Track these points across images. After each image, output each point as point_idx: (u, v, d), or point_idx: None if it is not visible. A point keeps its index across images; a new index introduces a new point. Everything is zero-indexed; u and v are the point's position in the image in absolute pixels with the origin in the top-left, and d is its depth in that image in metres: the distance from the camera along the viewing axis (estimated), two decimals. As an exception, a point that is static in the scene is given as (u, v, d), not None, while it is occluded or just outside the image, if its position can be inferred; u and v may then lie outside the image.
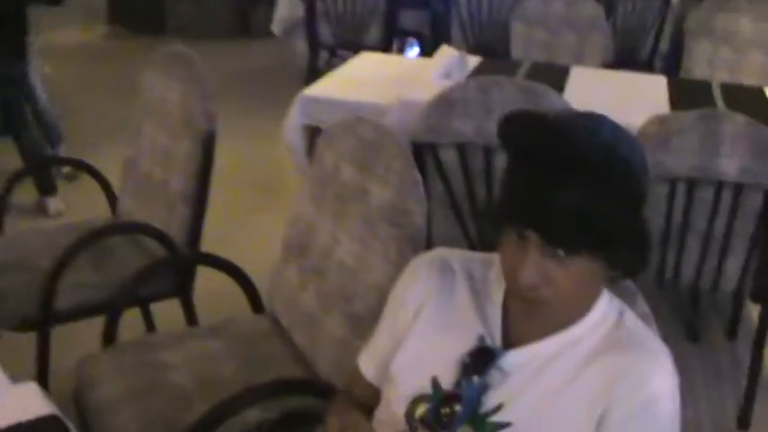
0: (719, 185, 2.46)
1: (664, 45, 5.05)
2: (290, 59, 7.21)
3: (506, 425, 1.26)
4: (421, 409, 1.32)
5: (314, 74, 5.09)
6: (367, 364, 1.51)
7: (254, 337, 2.20)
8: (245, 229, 4.11)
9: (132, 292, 2.33)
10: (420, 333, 1.39)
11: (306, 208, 2.14)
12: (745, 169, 2.41)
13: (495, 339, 1.33)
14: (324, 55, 6.10)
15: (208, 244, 2.68)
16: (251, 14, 8.21)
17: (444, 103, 2.53)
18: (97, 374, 2.05)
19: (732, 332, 3.32)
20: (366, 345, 1.53)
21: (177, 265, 2.57)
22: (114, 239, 2.70)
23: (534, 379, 1.28)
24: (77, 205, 4.13)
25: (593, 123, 1.21)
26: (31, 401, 1.55)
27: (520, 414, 1.26)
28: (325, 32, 5.84)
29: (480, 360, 1.30)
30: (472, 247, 2.73)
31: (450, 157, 2.57)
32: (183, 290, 2.60)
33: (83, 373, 2.08)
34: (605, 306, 1.32)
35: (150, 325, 3.00)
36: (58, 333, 2.44)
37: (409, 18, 6.04)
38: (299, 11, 6.04)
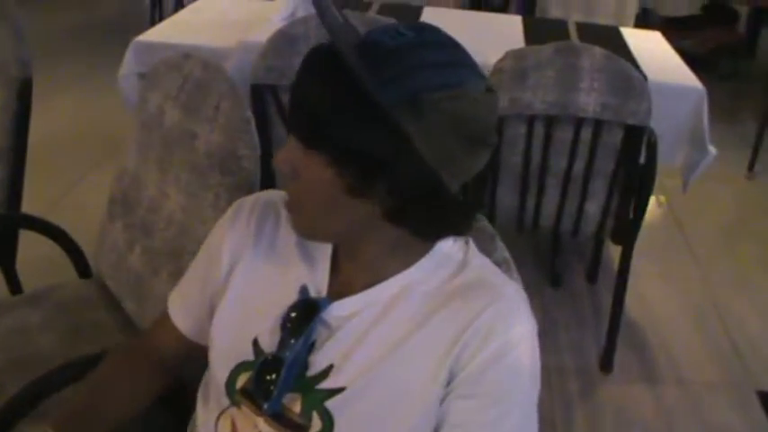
0: (579, 123, 2.36)
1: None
2: (134, 10, 6.86)
3: (339, 390, 1.08)
4: (243, 379, 1.13)
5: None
6: (179, 314, 1.32)
7: (77, 305, 1.96)
8: (82, 189, 3.82)
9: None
10: (238, 289, 1.21)
11: (131, 159, 1.92)
12: (604, 105, 2.32)
13: (322, 290, 1.15)
14: (170, 3, 5.77)
15: (39, 206, 2.43)
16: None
17: (284, 41, 2.34)
18: None
19: (592, 276, 3.31)
20: (177, 289, 1.34)
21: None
22: None
23: (366, 334, 1.10)
24: None
25: (405, 29, 1.02)
26: None
27: (353, 376, 1.08)
28: (169, -21, 5.52)
29: (304, 315, 1.12)
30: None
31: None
32: (3, 257, 2.32)
33: None
34: (446, 249, 1.15)
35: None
36: None
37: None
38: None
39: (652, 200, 3.93)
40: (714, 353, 2.95)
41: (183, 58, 1.79)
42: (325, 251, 1.17)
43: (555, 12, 4.11)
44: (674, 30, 4.27)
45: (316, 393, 1.09)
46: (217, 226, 1.28)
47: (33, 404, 1.51)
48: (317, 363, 1.10)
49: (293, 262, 1.18)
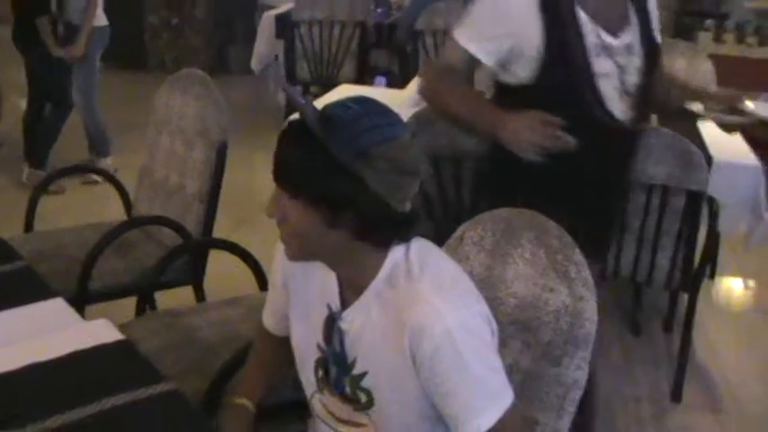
0: (650, 189, 2.95)
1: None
2: (266, 95, 7.57)
3: (364, 374, 1.49)
4: (320, 372, 1.59)
5: (292, 108, 5.41)
6: (270, 322, 1.81)
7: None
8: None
9: (158, 275, 2.72)
10: (294, 304, 1.64)
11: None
12: (670, 175, 2.90)
13: (336, 302, 1.53)
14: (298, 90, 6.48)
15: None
16: (229, 52, 8.62)
17: (421, 121, 2.95)
18: (135, 336, 2.41)
19: (668, 326, 3.83)
20: (267, 307, 1.82)
21: (194, 251, 2.94)
22: (133, 236, 3.03)
23: (367, 332, 1.47)
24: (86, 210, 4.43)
25: (351, 103, 1.38)
26: (104, 332, 1.92)
27: (368, 362, 1.48)
28: (301, 70, 6.18)
29: (332, 324, 1.53)
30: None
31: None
32: (196, 276, 2.96)
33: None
34: (392, 263, 1.45)
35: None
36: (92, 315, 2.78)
37: (380, 57, 6.55)
38: (278, 49, 6.44)
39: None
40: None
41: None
42: (330, 273, 1.54)
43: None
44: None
45: (353, 378, 1.51)
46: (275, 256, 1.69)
47: (238, 366, 2.06)
48: (349, 356, 1.51)
49: (322, 281, 1.55)
